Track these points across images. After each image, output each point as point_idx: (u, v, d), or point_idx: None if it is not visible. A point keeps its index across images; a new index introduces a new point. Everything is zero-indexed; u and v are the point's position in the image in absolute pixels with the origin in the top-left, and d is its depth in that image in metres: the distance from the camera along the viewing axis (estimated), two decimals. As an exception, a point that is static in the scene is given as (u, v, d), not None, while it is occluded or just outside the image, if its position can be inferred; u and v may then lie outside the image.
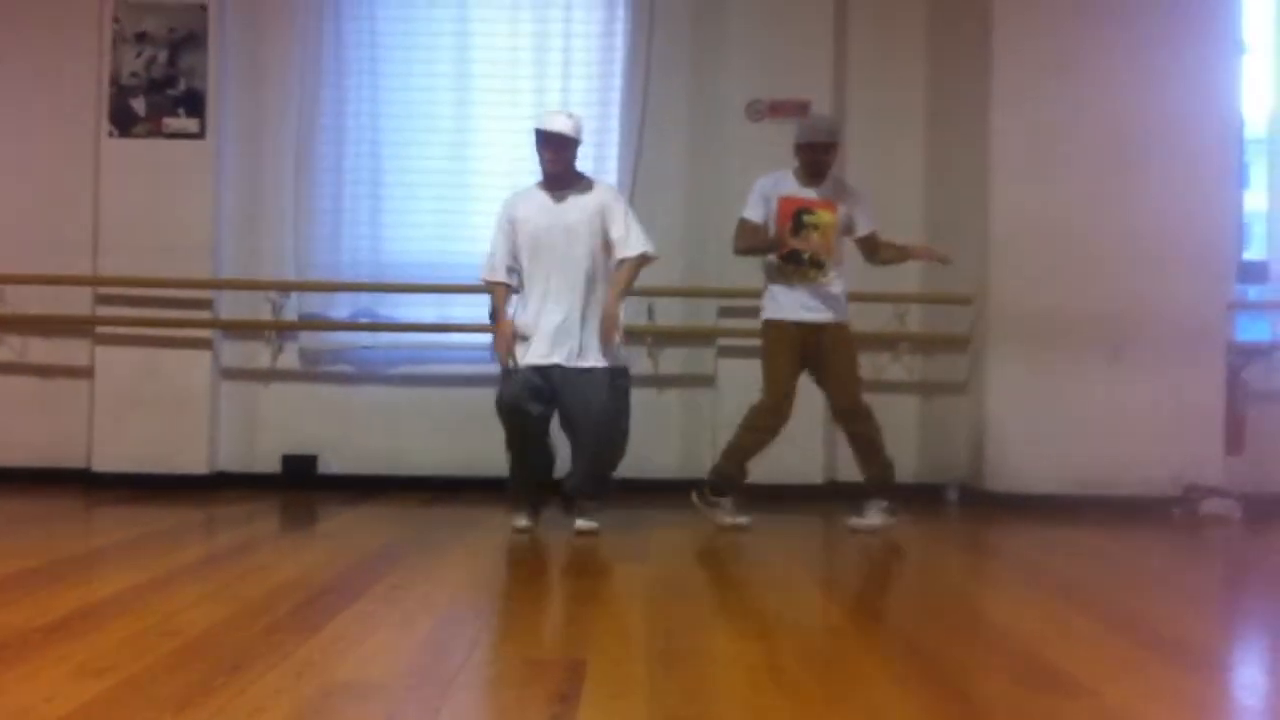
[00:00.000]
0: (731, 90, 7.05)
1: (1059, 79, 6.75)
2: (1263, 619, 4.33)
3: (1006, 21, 6.78)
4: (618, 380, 5.37)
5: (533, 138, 5.39)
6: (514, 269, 5.45)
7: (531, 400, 5.25)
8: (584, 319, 5.30)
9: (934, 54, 7.26)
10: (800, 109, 6.94)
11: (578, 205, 5.36)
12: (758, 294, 6.78)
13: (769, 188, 5.71)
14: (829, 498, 6.81)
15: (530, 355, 5.28)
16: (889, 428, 6.54)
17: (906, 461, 7.00)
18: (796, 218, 5.60)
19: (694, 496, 5.78)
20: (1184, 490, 6.59)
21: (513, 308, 5.48)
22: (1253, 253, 7.82)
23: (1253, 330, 7.29)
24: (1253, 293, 7.47)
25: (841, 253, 5.84)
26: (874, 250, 5.83)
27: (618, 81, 7.11)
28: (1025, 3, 6.80)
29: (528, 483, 5.50)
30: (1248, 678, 3.45)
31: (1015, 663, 3.27)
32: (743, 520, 5.65)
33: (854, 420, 5.69)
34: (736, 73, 7.04)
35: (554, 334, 5.26)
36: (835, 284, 5.71)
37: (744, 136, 6.98)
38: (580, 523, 5.37)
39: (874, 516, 5.66)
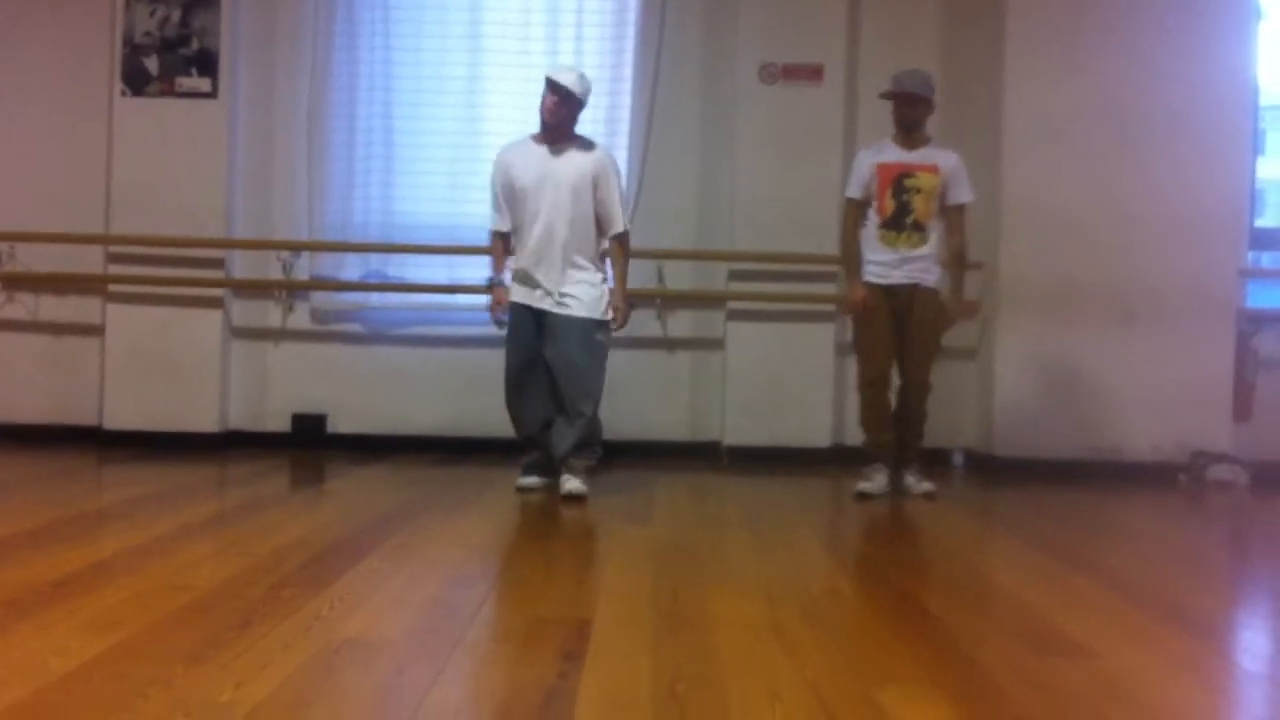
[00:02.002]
0: (744, 53, 7.01)
1: (1073, 46, 6.72)
2: (1265, 585, 4.35)
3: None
4: (596, 334, 5.35)
5: (542, 85, 5.37)
6: (505, 222, 5.50)
7: (529, 367, 5.40)
8: (566, 267, 5.31)
9: (947, 20, 7.22)
10: (814, 73, 6.93)
11: (571, 162, 5.34)
12: (768, 258, 6.82)
13: (868, 158, 5.66)
14: (835, 461, 6.82)
15: (521, 295, 5.38)
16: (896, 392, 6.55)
17: (914, 426, 7.03)
18: (897, 182, 5.54)
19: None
20: (1191, 456, 6.60)
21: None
22: (1265, 220, 7.79)
23: (1263, 297, 7.26)
24: (1264, 260, 7.45)
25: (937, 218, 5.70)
26: (953, 229, 5.67)
27: (631, 44, 7.08)
28: (1039, -33, 6.76)
29: (529, 439, 5.55)
30: (1249, 642, 3.47)
31: (1019, 625, 3.29)
32: (865, 486, 5.74)
33: (917, 394, 5.71)
34: (749, 36, 7.00)
35: (542, 282, 5.30)
36: (930, 249, 5.63)
37: (757, 99, 6.95)
38: (566, 485, 5.35)
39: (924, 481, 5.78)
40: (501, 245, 5.54)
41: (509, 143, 5.61)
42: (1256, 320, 6.94)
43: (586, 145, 5.43)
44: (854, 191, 5.68)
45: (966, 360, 7.04)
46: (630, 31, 7.08)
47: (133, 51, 6.88)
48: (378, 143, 7.12)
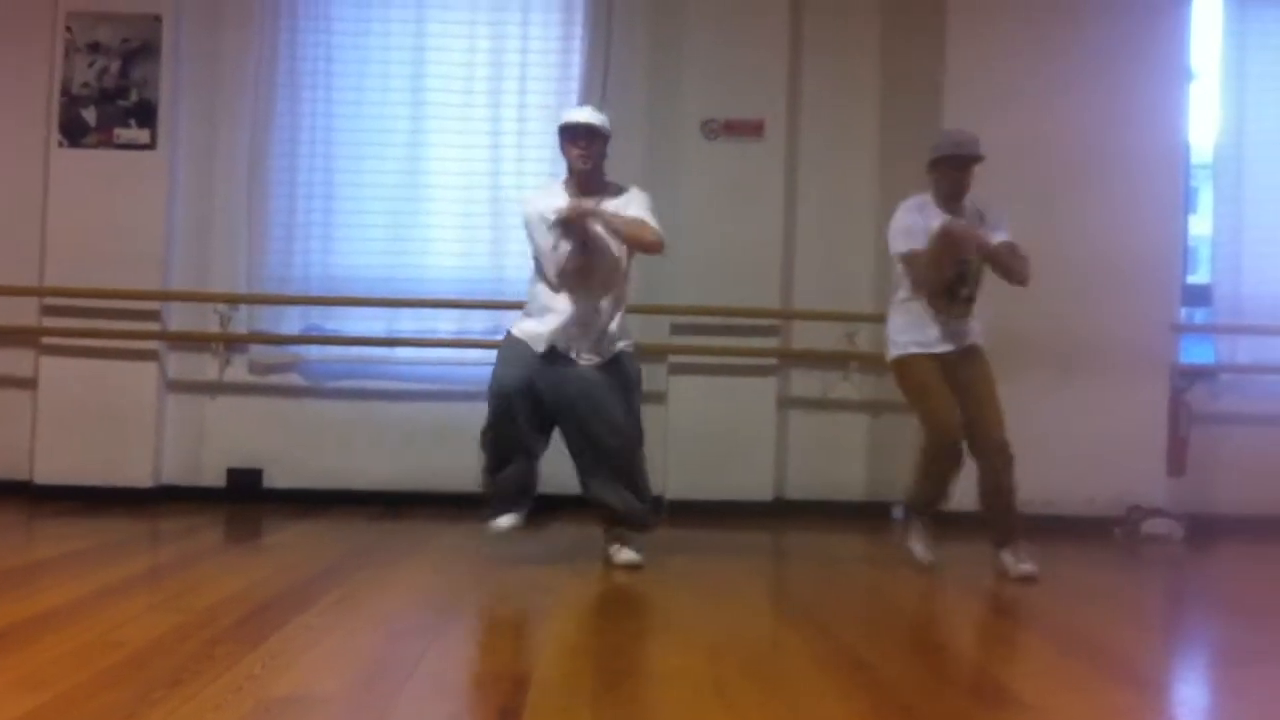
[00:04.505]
0: (687, 108, 7.07)
1: (1009, 103, 6.82)
2: (1202, 637, 4.39)
3: (958, 45, 6.86)
4: (627, 377, 5.02)
5: (557, 138, 5.03)
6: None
7: (526, 391, 4.86)
8: (596, 324, 4.94)
9: (887, 78, 7.31)
10: (755, 128, 6.99)
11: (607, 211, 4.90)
12: (710, 311, 6.84)
13: (918, 215, 5.10)
14: (778, 514, 6.83)
15: (535, 340, 4.93)
16: (838, 446, 6.59)
17: (855, 479, 7.06)
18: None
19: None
20: (1127, 510, 6.66)
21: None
22: (1197, 277, 7.93)
23: (1196, 353, 7.39)
24: (1197, 316, 7.58)
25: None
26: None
27: (574, 99, 7.09)
28: (977, 28, 6.88)
29: (512, 476, 5.01)
30: (1186, 695, 3.50)
31: (960, 678, 3.29)
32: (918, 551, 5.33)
33: (1000, 457, 5.11)
34: (692, 91, 7.06)
35: (563, 330, 4.91)
36: (975, 315, 5.30)
37: (699, 154, 7.00)
38: (621, 555, 5.00)
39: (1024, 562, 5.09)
40: None
41: (537, 189, 5.31)
42: (1190, 375, 7.05)
43: (619, 190, 5.04)
44: (916, 243, 5.06)
45: (906, 413, 7.06)
46: (574, 87, 7.11)
47: (71, 102, 6.82)
48: (318, 195, 7.08)
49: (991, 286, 6.70)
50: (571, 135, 4.96)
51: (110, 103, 6.83)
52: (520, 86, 7.11)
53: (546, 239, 4.95)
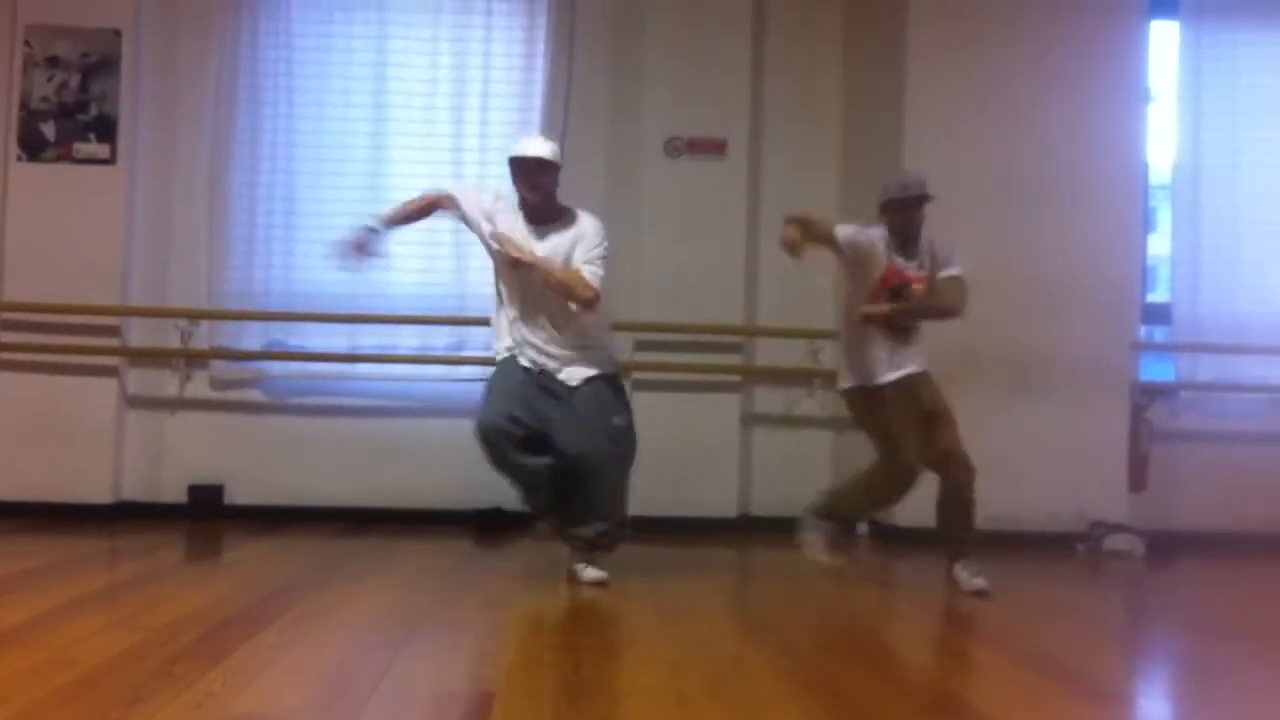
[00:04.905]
0: (649, 127, 7.09)
1: (969, 123, 6.88)
2: (1163, 652, 4.42)
3: (919, 62, 6.91)
4: (614, 395, 5.05)
5: (508, 169, 4.94)
6: (454, 197, 5.05)
7: (507, 427, 4.81)
8: (563, 345, 4.91)
9: (849, 97, 7.37)
10: (718, 146, 7.02)
11: (555, 246, 4.87)
12: (673, 329, 6.85)
13: (867, 239, 5.12)
14: (741, 530, 6.83)
15: (525, 358, 4.93)
16: (802, 463, 6.60)
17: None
18: (894, 289, 5.10)
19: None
20: (1089, 526, 6.70)
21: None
22: (1157, 295, 8.00)
23: (1156, 371, 7.46)
24: (1157, 334, 7.65)
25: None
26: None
27: (537, 115, 7.11)
28: (937, 49, 6.92)
29: (546, 506, 5.05)
30: (1147, 709, 3.51)
31: (921, 695, 3.30)
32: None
33: (960, 472, 5.14)
34: (654, 109, 7.09)
35: (539, 347, 4.91)
36: (924, 346, 5.26)
37: (662, 173, 7.03)
38: (586, 573, 4.97)
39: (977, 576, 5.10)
40: (422, 202, 5.12)
41: (498, 189, 5.14)
42: (1150, 393, 7.12)
43: (572, 219, 4.97)
44: (843, 233, 5.12)
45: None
46: (536, 104, 7.12)
47: (29, 116, 6.77)
48: (279, 210, 7.05)
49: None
50: (520, 168, 4.89)
51: (69, 117, 6.79)
52: (482, 103, 7.12)
53: (481, 228, 4.97)
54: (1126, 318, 7.05)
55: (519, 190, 4.93)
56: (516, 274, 4.87)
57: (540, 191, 4.90)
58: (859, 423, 5.36)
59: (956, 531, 5.16)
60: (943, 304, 5.17)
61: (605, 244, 4.93)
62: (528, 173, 4.87)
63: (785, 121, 7.30)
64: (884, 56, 7.14)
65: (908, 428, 5.10)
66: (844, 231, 5.16)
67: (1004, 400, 6.77)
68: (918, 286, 5.12)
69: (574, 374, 4.94)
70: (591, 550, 5.00)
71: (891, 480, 5.18)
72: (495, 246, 4.89)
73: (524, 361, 4.93)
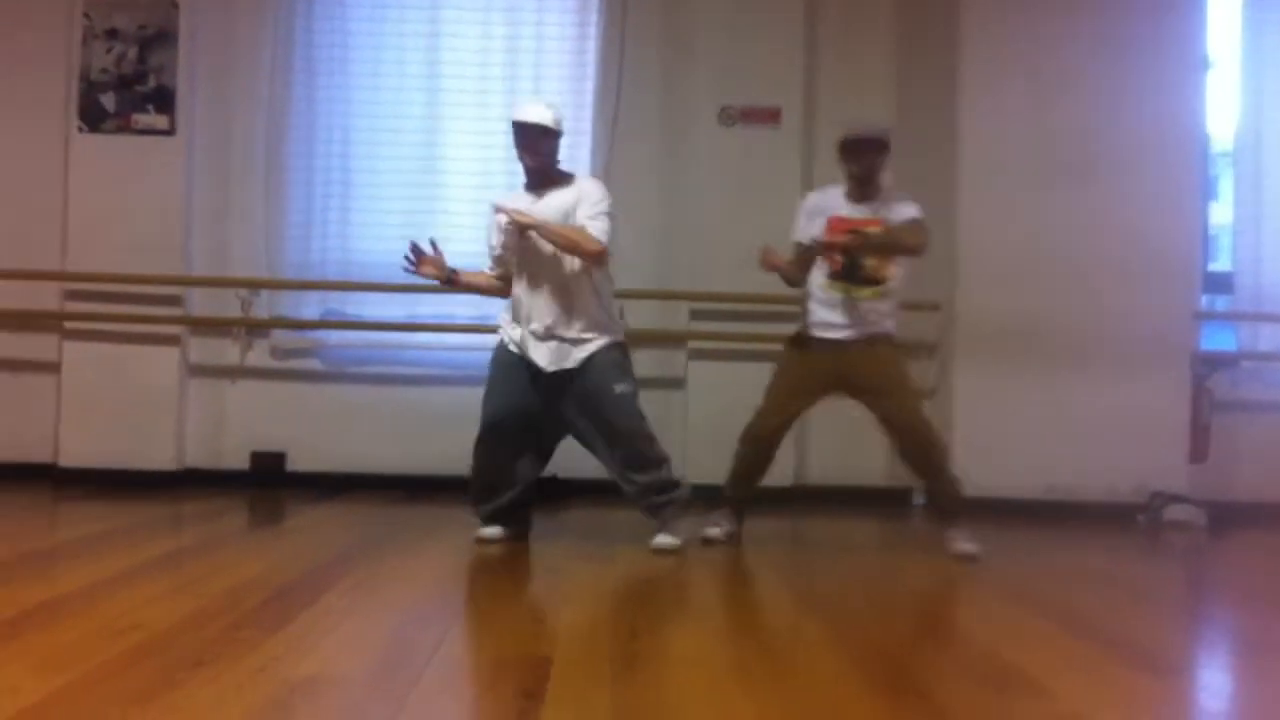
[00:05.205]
0: (703, 96, 7.06)
1: (1026, 91, 6.81)
2: (1221, 623, 4.38)
3: (974, 31, 6.84)
4: (613, 372, 5.02)
5: (510, 133, 4.98)
6: (503, 258, 5.10)
7: (516, 416, 5.01)
8: (569, 322, 4.95)
9: (902, 63, 7.29)
10: (772, 115, 6.98)
11: (555, 204, 4.90)
12: (729, 298, 6.84)
13: (817, 204, 5.21)
14: (797, 500, 6.83)
15: (523, 348, 5.00)
16: (858, 432, 6.57)
17: (875, 465, 7.05)
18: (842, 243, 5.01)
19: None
20: (1148, 497, 6.64)
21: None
22: (1218, 265, 7.90)
23: (1218, 340, 7.37)
24: (1218, 303, 7.55)
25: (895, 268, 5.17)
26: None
27: (590, 85, 7.11)
28: (992, 15, 6.85)
29: (489, 487, 5.14)
30: (1204, 680, 3.49)
31: (977, 665, 3.29)
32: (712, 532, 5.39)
33: (915, 435, 5.16)
34: (708, 79, 7.06)
35: (541, 336, 4.96)
36: (889, 303, 5.16)
37: (716, 142, 7.00)
38: (657, 540, 5.00)
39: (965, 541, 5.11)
40: (486, 280, 5.24)
41: (506, 192, 5.28)
42: (1211, 363, 7.03)
43: (569, 180, 5.03)
44: (803, 235, 5.22)
45: (925, 400, 7.07)
46: (589, 73, 7.12)
47: (89, 88, 6.85)
48: (335, 180, 7.11)
49: (1017, 276, 6.73)
50: (522, 133, 4.93)
51: (128, 89, 6.86)
52: (535, 73, 7.13)
53: (495, 235, 5.11)
54: (1187, 287, 6.96)
55: (520, 155, 4.99)
56: (522, 244, 4.92)
57: (541, 157, 4.96)
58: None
59: (937, 500, 5.23)
60: (898, 239, 5.03)
61: (609, 201, 4.97)
62: (529, 138, 4.92)
63: (839, 90, 7.22)
64: (937, 26, 7.06)
65: (779, 387, 5.26)
66: (800, 234, 5.24)
67: (1063, 371, 6.73)
68: (870, 229, 4.99)
69: (578, 354, 4.97)
70: (655, 506, 5.05)
71: (746, 429, 5.31)
72: (504, 223, 4.95)
73: (532, 354, 4.99)
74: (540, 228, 4.83)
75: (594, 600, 4.06)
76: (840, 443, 7.07)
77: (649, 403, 7.11)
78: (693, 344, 7.00)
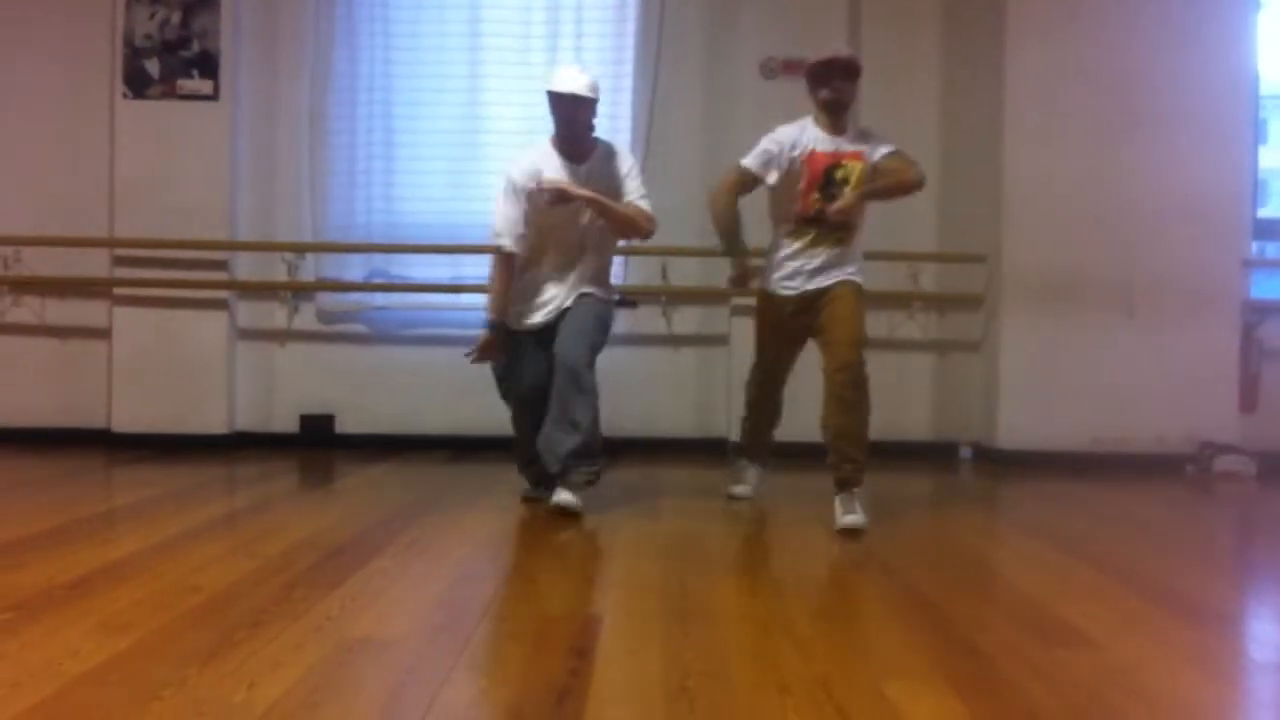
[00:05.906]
0: (745, 48, 7.03)
1: (1073, 37, 6.73)
2: (1273, 575, 4.35)
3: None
4: (599, 312, 4.98)
5: (546, 100, 4.91)
6: (524, 235, 4.99)
7: (541, 389, 4.95)
8: (580, 285, 4.97)
9: (948, 14, 7.22)
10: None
11: (599, 174, 4.90)
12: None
13: (789, 141, 4.90)
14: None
15: (526, 321, 5.02)
16: (903, 387, 6.56)
17: (921, 419, 7.05)
18: (827, 174, 4.84)
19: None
20: (1198, 447, 6.60)
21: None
22: (1268, 210, 7.79)
23: (1267, 288, 7.27)
24: (1268, 250, 7.45)
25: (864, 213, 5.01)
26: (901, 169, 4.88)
27: (631, 40, 7.08)
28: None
29: (532, 460, 5.10)
30: (1254, 632, 3.48)
31: (1026, 617, 3.30)
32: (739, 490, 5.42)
33: (843, 377, 4.85)
34: (750, 31, 7.02)
35: (547, 303, 4.98)
36: (855, 249, 5.02)
37: (758, 94, 6.95)
38: (558, 495, 4.85)
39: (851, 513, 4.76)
40: (507, 271, 4.99)
41: (524, 153, 5.11)
42: (1261, 311, 6.95)
43: (607, 154, 5.01)
44: (754, 164, 4.95)
45: (971, 353, 7.05)
46: (630, 28, 7.09)
47: (133, 54, 6.89)
48: (379, 142, 7.14)
49: (1063, 226, 6.68)
50: (559, 104, 4.88)
51: (172, 54, 6.89)
52: (577, 30, 7.10)
53: (518, 207, 4.93)
54: (1236, 234, 6.87)
55: (556, 125, 4.95)
56: (552, 214, 4.86)
57: (578, 126, 4.92)
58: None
59: (841, 455, 4.86)
60: (902, 179, 4.87)
61: (639, 172, 5.02)
62: (565, 109, 4.87)
63: (884, 41, 7.16)
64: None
65: (763, 340, 5.23)
66: (752, 162, 4.96)
67: (1112, 321, 6.69)
68: (854, 163, 4.85)
69: (572, 298, 4.97)
70: (565, 469, 4.84)
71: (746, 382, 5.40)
72: (546, 199, 4.83)
73: (534, 320, 5.00)
74: (599, 204, 4.82)
75: (643, 557, 4.09)
76: (885, 398, 7.03)
77: (694, 359, 7.16)
78: (736, 300, 6.98)
